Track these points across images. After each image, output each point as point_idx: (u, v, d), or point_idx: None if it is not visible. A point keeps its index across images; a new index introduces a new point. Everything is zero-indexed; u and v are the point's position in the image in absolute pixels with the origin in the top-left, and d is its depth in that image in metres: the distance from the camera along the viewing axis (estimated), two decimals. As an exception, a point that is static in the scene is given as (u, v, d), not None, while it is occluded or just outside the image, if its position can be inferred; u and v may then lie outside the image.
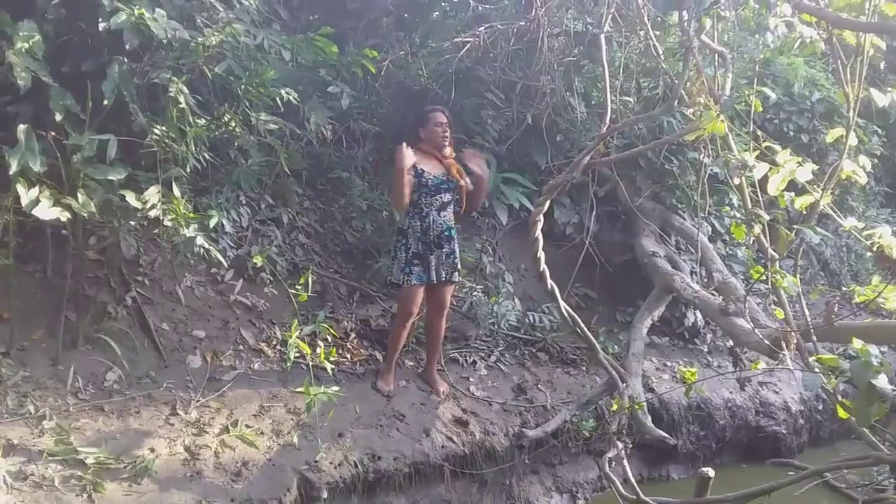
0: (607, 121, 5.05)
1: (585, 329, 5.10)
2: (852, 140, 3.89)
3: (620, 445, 4.57)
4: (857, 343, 3.18)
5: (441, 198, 4.78)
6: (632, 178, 6.67)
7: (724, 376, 5.69)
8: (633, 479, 4.13)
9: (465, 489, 4.67)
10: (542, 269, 4.96)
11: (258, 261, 4.61)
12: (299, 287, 4.41)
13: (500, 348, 5.64)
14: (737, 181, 3.95)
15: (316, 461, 4.07)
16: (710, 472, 3.85)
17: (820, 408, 6.15)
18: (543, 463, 5.06)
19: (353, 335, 5.17)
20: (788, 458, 5.86)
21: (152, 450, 3.82)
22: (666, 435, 4.75)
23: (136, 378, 4.31)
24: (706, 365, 6.10)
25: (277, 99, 4.68)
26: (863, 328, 3.64)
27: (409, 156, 4.57)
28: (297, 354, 4.28)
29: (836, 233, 7.62)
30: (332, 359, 4.65)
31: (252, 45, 4.51)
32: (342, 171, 5.88)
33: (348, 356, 4.99)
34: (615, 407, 4.70)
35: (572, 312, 5.07)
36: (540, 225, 4.95)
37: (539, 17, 6.20)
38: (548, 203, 4.98)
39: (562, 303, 5.01)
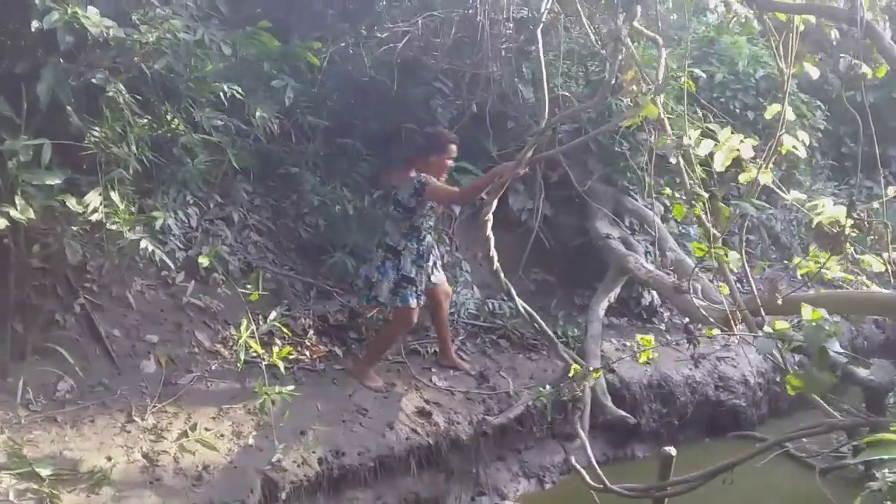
0: (545, 114, 5.06)
1: (544, 325, 5.10)
2: (790, 115, 3.96)
3: (583, 434, 4.59)
4: (808, 310, 3.20)
5: (433, 220, 4.99)
6: (583, 161, 6.70)
7: (682, 354, 5.77)
8: (599, 470, 4.12)
9: (432, 480, 4.65)
10: (495, 267, 4.95)
11: (205, 261, 4.52)
12: (250, 286, 4.35)
13: (460, 337, 5.64)
14: (673, 160, 4.01)
15: (278, 460, 4.01)
16: (672, 451, 3.85)
17: (778, 380, 6.25)
18: (509, 449, 5.07)
19: (311, 332, 5.10)
20: (749, 431, 5.99)
21: (109, 458, 3.74)
22: (625, 414, 4.78)
23: (88, 387, 4.22)
24: (665, 343, 6.15)
25: (221, 95, 4.59)
26: (810, 300, 3.69)
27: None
28: (254, 354, 4.21)
29: (785, 207, 7.76)
30: (290, 356, 4.60)
31: (191, 40, 4.41)
32: (292, 167, 5.79)
33: (307, 353, 4.94)
34: (568, 394, 4.71)
35: (531, 311, 5.04)
36: (490, 224, 4.93)
37: (478, 5, 6.18)
38: (496, 201, 4.95)
39: (518, 301, 4.98)
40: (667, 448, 3.90)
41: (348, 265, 5.43)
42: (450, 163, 4.93)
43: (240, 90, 4.70)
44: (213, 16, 5.46)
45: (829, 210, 3.55)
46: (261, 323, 4.47)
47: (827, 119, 7.99)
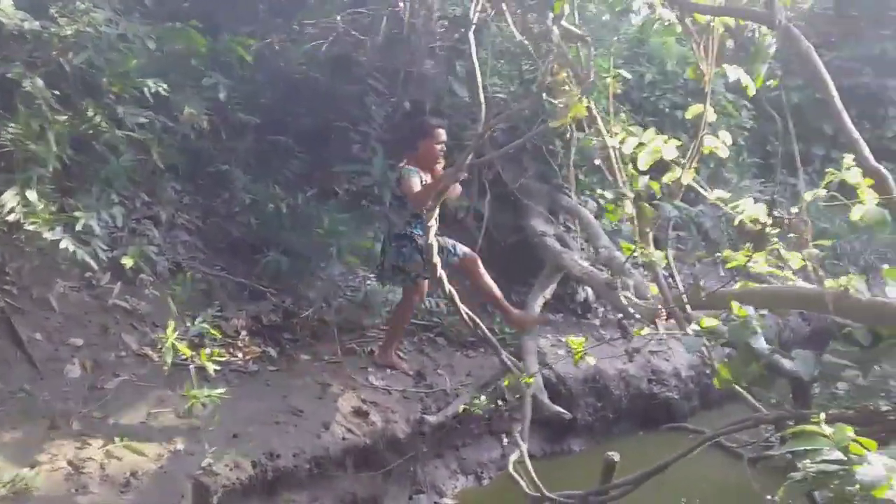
0: (482, 116, 5.07)
1: (488, 333, 5.01)
2: (712, 116, 4.06)
3: (524, 446, 4.59)
4: (735, 306, 3.29)
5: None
6: (517, 159, 6.74)
7: (617, 349, 5.87)
8: (537, 481, 4.11)
9: (370, 480, 4.59)
10: (439, 274, 4.89)
11: (129, 262, 4.37)
12: (177, 287, 4.24)
13: (397, 335, 5.60)
14: (597, 161, 4.08)
15: (209, 465, 3.90)
16: (616, 455, 3.84)
17: (708, 372, 6.39)
18: (448, 446, 5.06)
19: (243, 333, 4.99)
20: (682, 423, 6.10)
21: (32, 466, 3.59)
22: (562, 410, 4.81)
23: (9, 393, 4.05)
24: (599, 338, 6.23)
25: (146, 91, 4.46)
26: (737, 295, 3.78)
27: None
28: (183, 357, 4.10)
29: (714, 204, 7.93)
30: (221, 358, 4.50)
31: (113, 34, 4.27)
32: (222, 165, 5.66)
33: (240, 355, 4.83)
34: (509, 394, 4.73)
35: (475, 318, 4.98)
36: (433, 230, 4.88)
37: (406, 3, 6.15)
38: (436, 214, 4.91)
39: (462, 308, 4.93)
40: (610, 453, 3.88)
41: (282, 264, 5.34)
42: (440, 147, 4.99)
43: (165, 86, 4.57)
44: (136, 9, 5.32)
45: (749, 208, 3.64)
46: (190, 325, 4.35)
47: (753, 118, 8.23)
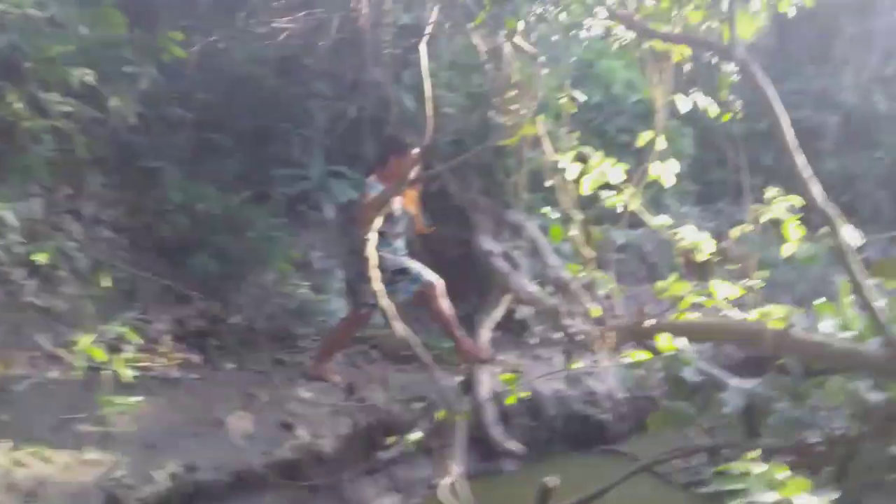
0: (429, 129, 4.98)
1: (428, 357, 4.87)
2: (661, 143, 4.07)
3: (455, 469, 4.47)
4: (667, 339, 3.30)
5: (401, 228, 5.06)
6: (463, 173, 6.65)
7: (553, 369, 5.80)
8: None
9: (294, 495, 4.39)
10: (376, 289, 4.74)
11: (42, 257, 4.11)
12: (97, 287, 3.99)
13: (331, 347, 5.41)
14: (548, 183, 4.04)
15: (123, 476, 3.66)
16: (554, 481, 3.72)
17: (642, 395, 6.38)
18: (378, 462, 4.88)
19: (166, 337, 4.74)
20: (616, 446, 6.05)
21: (-73, 474, 3.31)
22: (514, 449, 4.80)
23: None
24: (536, 357, 6.17)
25: (73, 79, 4.23)
26: (676, 326, 3.76)
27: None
28: (99, 361, 3.85)
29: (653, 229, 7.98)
30: (140, 364, 4.27)
31: (42, 17, 4.03)
32: (154, 160, 5.41)
33: (162, 360, 4.58)
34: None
35: (415, 340, 4.84)
36: (372, 243, 4.73)
37: (361, 8, 6.03)
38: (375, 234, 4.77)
39: (400, 326, 4.77)
40: (547, 479, 3.76)
41: (211, 267, 5.11)
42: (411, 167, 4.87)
43: (92, 75, 4.35)
44: (71, -6, 5.06)
45: (690, 236, 3.64)
46: (108, 327, 4.10)
47: (696, 145, 8.32)
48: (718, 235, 6.15)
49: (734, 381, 5.15)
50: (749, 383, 4.86)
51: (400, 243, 5.09)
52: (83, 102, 4.65)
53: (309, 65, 6.23)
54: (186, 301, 5.10)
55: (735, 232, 3.65)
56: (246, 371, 4.85)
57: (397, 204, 4.98)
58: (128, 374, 3.62)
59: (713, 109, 4.08)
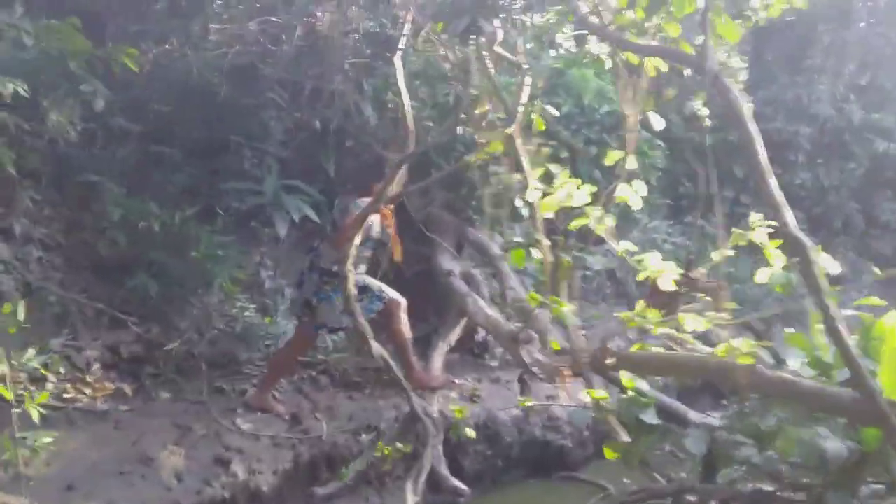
0: (410, 144, 4.79)
1: (401, 377, 4.71)
2: (632, 163, 3.90)
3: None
4: (626, 377, 3.14)
5: (369, 252, 4.99)
6: (425, 187, 6.41)
7: (513, 393, 5.62)
8: None
9: (227, 535, 4.17)
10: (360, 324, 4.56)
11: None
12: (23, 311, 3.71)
13: (275, 373, 5.17)
14: (519, 203, 3.86)
15: (34, 524, 3.42)
16: None
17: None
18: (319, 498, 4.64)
19: (96, 366, 4.48)
20: (575, 472, 5.87)
21: None
22: (460, 486, 4.64)
23: None
24: (495, 380, 5.96)
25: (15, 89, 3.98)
26: (641, 361, 3.58)
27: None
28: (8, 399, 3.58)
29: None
30: (64, 396, 4.02)
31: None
32: (93, 175, 5.13)
33: (88, 391, 4.32)
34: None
35: (389, 360, 4.67)
36: (352, 280, 4.52)
37: (323, 15, 5.79)
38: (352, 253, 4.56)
39: (376, 346, 4.61)
40: None
41: (150, 288, 4.84)
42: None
43: (25, 88, 4.09)
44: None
45: (652, 265, 3.45)
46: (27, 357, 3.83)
47: (666, 157, 8.14)
48: (688, 254, 6.00)
49: (694, 416, 5.05)
50: (709, 419, 4.77)
51: (362, 267, 4.95)
52: (21, 115, 4.39)
53: (266, 74, 5.96)
54: (121, 326, 4.82)
55: (717, 255, 3.47)
56: (182, 401, 4.59)
57: (377, 226, 4.91)
58: (34, 413, 3.33)
59: (684, 124, 3.91)
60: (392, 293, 4.99)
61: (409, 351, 5.11)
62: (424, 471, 4.50)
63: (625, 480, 5.12)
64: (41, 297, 4.60)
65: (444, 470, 4.47)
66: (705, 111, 5.82)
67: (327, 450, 4.67)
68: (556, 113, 6.20)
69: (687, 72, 4.40)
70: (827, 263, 3.08)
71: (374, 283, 4.98)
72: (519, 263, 4.61)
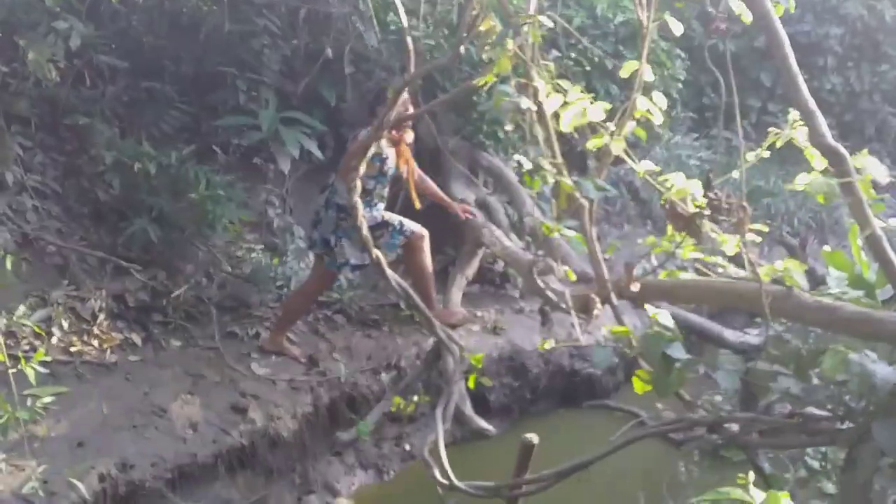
0: (411, 67, 4.43)
1: (422, 305, 4.46)
2: (648, 75, 3.54)
3: (441, 431, 4.08)
4: (651, 310, 2.88)
5: (387, 191, 4.76)
6: (433, 112, 6.09)
7: (535, 322, 5.44)
8: (448, 469, 3.61)
9: (248, 483, 4.05)
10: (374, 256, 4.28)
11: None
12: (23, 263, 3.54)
13: (290, 314, 4.97)
14: (509, 127, 3.52)
15: (44, 481, 3.28)
16: (534, 438, 3.40)
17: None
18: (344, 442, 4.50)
19: (101, 316, 4.28)
20: (604, 400, 5.70)
21: None
22: (486, 426, 4.41)
23: None
24: (518, 311, 5.75)
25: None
26: (668, 288, 3.34)
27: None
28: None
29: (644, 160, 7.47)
30: (71, 349, 3.85)
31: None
32: (82, 116, 4.85)
33: (95, 343, 4.14)
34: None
35: (408, 289, 4.40)
36: (361, 211, 4.23)
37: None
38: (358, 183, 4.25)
39: (392, 275, 4.33)
40: (529, 435, 3.42)
41: (152, 234, 4.61)
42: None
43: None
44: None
45: (678, 185, 3.14)
46: (24, 310, 3.65)
47: (688, 69, 7.70)
48: (708, 170, 5.66)
49: (730, 335, 4.81)
50: (746, 338, 4.53)
51: (381, 206, 4.74)
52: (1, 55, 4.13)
53: (255, -1, 5.59)
54: (125, 273, 4.60)
55: (750, 158, 3.16)
56: (193, 348, 4.41)
57: (391, 162, 4.62)
58: (31, 371, 3.15)
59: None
60: (413, 226, 4.79)
61: (432, 286, 4.93)
62: (454, 399, 4.32)
63: (658, 405, 4.98)
64: (39, 248, 4.39)
65: (468, 410, 4.26)
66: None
67: (347, 391, 4.53)
68: (549, 23, 5.84)
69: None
70: (874, 169, 2.80)
71: (394, 217, 4.77)
72: (534, 186, 4.32)
